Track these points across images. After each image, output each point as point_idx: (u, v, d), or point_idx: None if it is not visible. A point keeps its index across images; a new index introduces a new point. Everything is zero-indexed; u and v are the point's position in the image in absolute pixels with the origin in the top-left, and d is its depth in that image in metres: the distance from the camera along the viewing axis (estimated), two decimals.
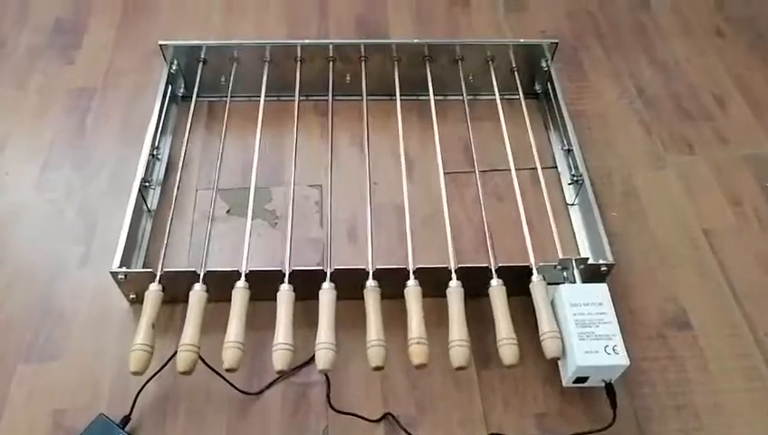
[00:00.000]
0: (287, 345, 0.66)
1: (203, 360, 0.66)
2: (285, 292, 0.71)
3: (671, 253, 0.85)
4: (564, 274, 0.75)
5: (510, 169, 0.86)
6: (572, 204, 0.88)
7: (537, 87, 1.01)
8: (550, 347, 0.67)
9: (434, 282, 0.73)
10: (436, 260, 0.76)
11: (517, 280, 0.74)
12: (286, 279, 0.72)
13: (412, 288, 0.71)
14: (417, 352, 0.66)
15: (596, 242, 0.80)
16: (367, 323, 0.68)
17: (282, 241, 0.82)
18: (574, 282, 0.74)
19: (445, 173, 0.88)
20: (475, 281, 0.73)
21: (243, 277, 0.72)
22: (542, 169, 0.88)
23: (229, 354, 0.65)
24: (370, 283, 0.72)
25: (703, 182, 0.93)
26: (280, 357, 0.65)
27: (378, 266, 0.73)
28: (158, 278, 0.72)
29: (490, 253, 0.75)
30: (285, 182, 0.89)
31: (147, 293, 0.70)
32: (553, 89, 0.96)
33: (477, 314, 0.74)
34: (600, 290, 0.70)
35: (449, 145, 0.94)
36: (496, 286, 0.72)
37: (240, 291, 0.70)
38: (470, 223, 0.86)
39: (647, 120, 1.00)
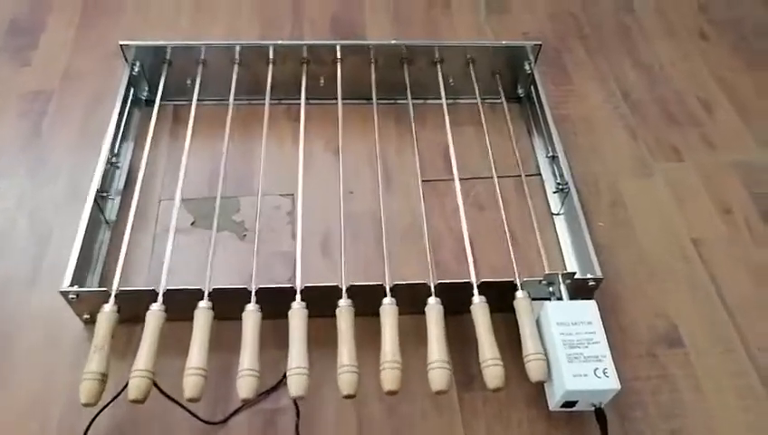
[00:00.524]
0: (252, 371, 0.61)
1: (158, 387, 0.61)
2: (251, 312, 0.65)
3: (660, 265, 0.81)
4: (550, 289, 0.71)
5: (492, 177, 0.81)
6: (558, 213, 0.84)
7: (520, 90, 0.97)
8: (534, 370, 0.63)
9: (412, 298, 0.68)
10: (416, 274, 0.72)
11: (501, 296, 0.69)
12: (253, 298, 0.67)
13: (388, 307, 0.66)
14: (389, 378, 0.61)
15: (583, 255, 0.76)
16: (338, 347, 0.63)
17: (250, 255, 0.77)
18: (561, 298, 0.69)
19: (424, 181, 0.84)
20: (456, 297, 0.69)
21: (206, 296, 0.66)
22: (526, 176, 0.84)
23: (191, 382, 0.60)
24: (343, 302, 0.67)
25: (691, 190, 0.89)
26: (245, 384, 0.60)
27: (352, 283, 0.68)
28: (112, 298, 0.66)
29: (471, 268, 0.71)
30: (255, 191, 0.84)
31: (99, 314, 0.64)
32: (537, 92, 0.92)
33: (459, 332, 0.70)
34: (589, 307, 0.66)
35: (428, 151, 0.89)
36: (479, 304, 0.67)
37: (202, 311, 0.65)
38: (451, 234, 0.82)
39: (632, 126, 0.97)
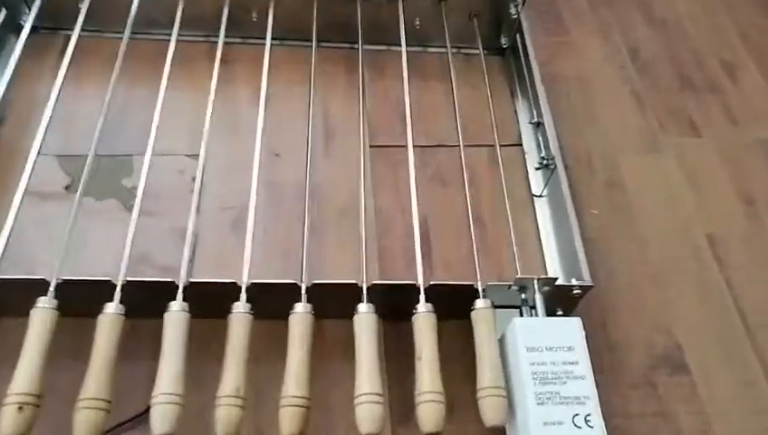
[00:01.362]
0: (102, 403, 0.44)
1: None
2: (109, 316, 0.48)
3: (665, 266, 0.64)
4: (523, 295, 0.54)
5: (459, 146, 0.63)
6: (540, 195, 0.66)
7: (503, 40, 0.78)
8: (490, 410, 0.46)
9: (339, 302, 0.51)
10: (351, 268, 0.55)
11: (455, 304, 0.52)
12: (117, 295, 0.49)
13: (298, 316, 0.49)
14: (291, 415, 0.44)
15: (568, 252, 0.59)
16: (224, 366, 0.46)
17: (138, 232, 0.59)
18: (535, 310, 0.52)
19: (373, 146, 0.66)
20: (396, 302, 0.52)
21: (51, 291, 0.48)
22: (503, 146, 0.67)
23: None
24: (239, 306, 0.49)
25: (708, 172, 0.72)
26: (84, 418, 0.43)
27: (254, 280, 0.51)
28: None
29: (418, 265, 0.53)
30: (153, 150, 0.65)
31: None
32: (523, 43, 0.74)
33: (399, 345, 0.53)
34: (571, 328, 0.49)
35: (382, 110, 0.72)
36: (423, 314, 0.50)
37: (41, 313, 0.47)
38: (403, 216, 0.64)
39: (639, 90, 0.79)
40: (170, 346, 0.47)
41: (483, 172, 0.68)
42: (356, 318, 0.50)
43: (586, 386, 0.46)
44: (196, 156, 0.66)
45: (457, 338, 0.53)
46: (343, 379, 0.49)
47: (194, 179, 0.64)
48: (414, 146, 0.62)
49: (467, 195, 0.59)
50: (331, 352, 0.54)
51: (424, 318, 0.50)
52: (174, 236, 0.61)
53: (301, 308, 0.49)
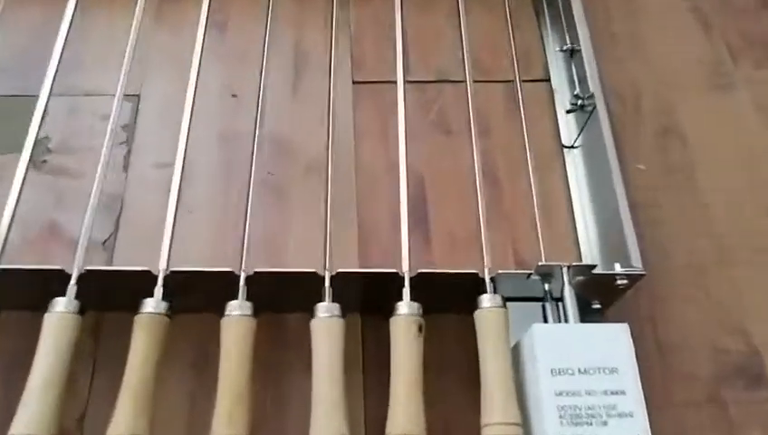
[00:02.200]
0: None
1: None
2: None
3: (737, 242, 0.49)
4: (546, 286, 0.39)
5: (467, 81, 0.48)
6: (572, 146, 0.51)
7: None
8: None
9: (302, 292, 0.37)
10: (317, 247, 0.40)
11: (455, 296, 0.38)
12: None
13: (233, 318, 0.35)
14: None
15: (610, 225, 0.43)
16: (121, 397, 0.33)
17: (46, 195, 0.46)
18: (563, 303, 0.38)
19: (357, 83, 0.51)
20: (377, 291, 0.38)
21: None
22: (525, 82, 0.52)
23: None
24: (150, 304, 0.35)
25: None
26: None
27: (174, 268, 0.37)
28: None
29: (404, 246, 0.39)
30: (77, 89, 0.51)
31: None
32: None
33: (380, 348, 0.39)
34: (615, 339, 0.34)
35: (370, 36, 0.56)
36: (404, 316, 0.36)
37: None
38: (390, 175, 0.49)
39: (705, 9, 0.61)
40: (40, 358, 0.34)
41: (498, 116, 0.53)
42: (314, 324, 0.36)
43: (636, 428, 0.32)
44: (131, 96, 0.52)
45: (459, 339, 0.39)
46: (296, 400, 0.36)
47: (125, 128, 0.50)
48: (408, 81, 0.47)
49: (476, 146, 0.44)
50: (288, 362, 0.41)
51: (404, 323, 0.36)
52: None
53: (236, 307, 0.35)
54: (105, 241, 0.45)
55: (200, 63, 0.46)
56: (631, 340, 0.35)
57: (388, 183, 0.49)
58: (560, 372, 0.33)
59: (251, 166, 0.42)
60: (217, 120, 0.51)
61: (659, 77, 0.56)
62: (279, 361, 0.41)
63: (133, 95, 0.52)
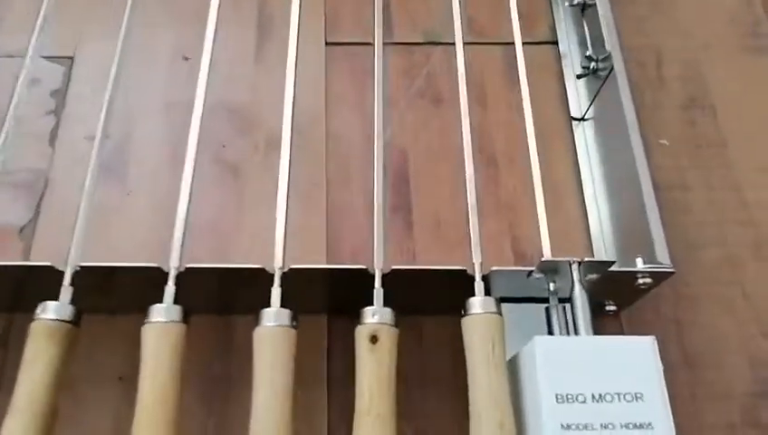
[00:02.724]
0: None
1: None
2: None
3: None
4: (552, 285, 0.32)
5: (455, 43, 0.40)
6: (582, 118, 0.43)
7: None
8: None
9: (255, 292, 0.30)
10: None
11: (440, 297, 0.31)
12: None
13: (155, 326, 0.28)
14: None
15: (628, 209, 0.36)
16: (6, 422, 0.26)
17: None
18: (571, 304, 0.31)
19: (330, 44, 0.44)
20: (345, 294, 0.31)
21: None
22: (527, 44, 0.44)
23: None
24: (54, 310, 0.28)
25: None
26: None
27: (81, 264, 0.30)
28: None
29: (377, 237, 0.31)
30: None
31: None
32: None
33: (351, 356, 0.32)
34: (639, 355, 0.27)
35: None
36: (362, 325, 0.28)
37: None
38: (367, 152, 0.41)
39: None
40: None
41: (496, 84, 0.45)
42: (257, 334, 0.28)
43: None
44: (62, 58, 0.44)
45: (444, 344, 0.32)
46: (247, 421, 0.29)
47: (54, 95, 0.43)
48: (390, 43, 0.40)
49: (469, 119, 0.36)
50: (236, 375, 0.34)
51: (358, 333, 0.28)
52: (9, 187, 0.39)
53: (159, 314, 0.28)
54: (23, 228, 0.38)
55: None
56: (659, 357, 0.27)
57: (366, 161, 0.41)
58: (568, 399, 0.26)
59: (191, 138, 0.35)
60: (164, 87, 0.43)
61: (686, 39, 0.48)
62: (224, 374, 0.34)
63: (65, 57, 0.44)
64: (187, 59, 0.45)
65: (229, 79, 0.43)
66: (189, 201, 0.32)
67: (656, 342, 0.28)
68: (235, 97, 0.43)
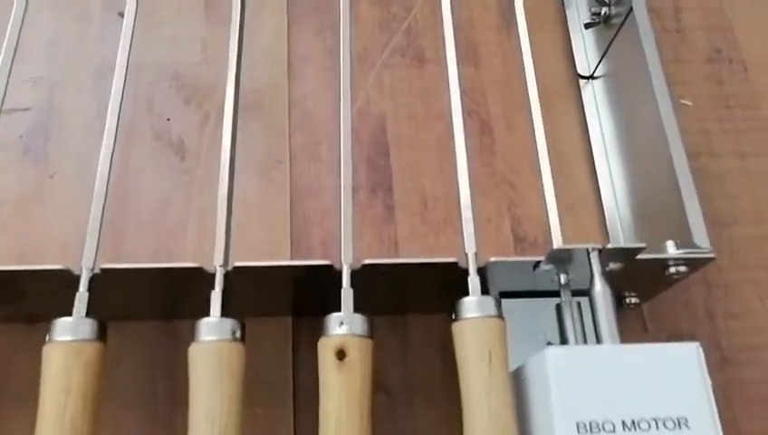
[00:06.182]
0: None
1: None
2: None
3: None
4: (563, 277, 0.26)
5: None
6: (591, 77, 0.37)
7: None
8: None
9: (199, 295, 0.24)
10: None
11: (427, 294, 0.25)
12: None
13: (53, 346, 0.22)
14: None
15: (652, 186, 0.30)
16: None
17: None
18: (589, 310, 0.25)
19: None
20: (312, 294, 0.25)
21: None
22: None
23: None
24: None
25: None
26: None
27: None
28: None
29: (342, 223, 0.25)
30: None
31: None
32: None
33: (309, 369, 0.26)
34: (683, 365, 0.21)
35: None
36: (326, 337, 0.22)
37: None
38: (339, 115, 0.35)
39: None
40: None
41: (490, 39, 0.38)
42: (193, 352, 0.22)
43: None
44: None
45: (436, 347, 0.27)
46: None
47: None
48: None
49: (459, 79, 0.30)
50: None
51: (322, 347, 0.22)
52: None
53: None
54: None
55: None
56: (706, 369, 0.21)
57: (338, 133, 0.35)
58: (591, 429, 0.20)
59: (119, 111, 0.28)
60: (96, 49, 0.36)
61: None
62: (167, 392, 0.28)
63: None
64: (122, 15, 0.38)
65: (174, 39, 0.37)
66: (107, 187, 0.25)
67: (701, 349, 0.22)
68: (181, 59, 0.36)
